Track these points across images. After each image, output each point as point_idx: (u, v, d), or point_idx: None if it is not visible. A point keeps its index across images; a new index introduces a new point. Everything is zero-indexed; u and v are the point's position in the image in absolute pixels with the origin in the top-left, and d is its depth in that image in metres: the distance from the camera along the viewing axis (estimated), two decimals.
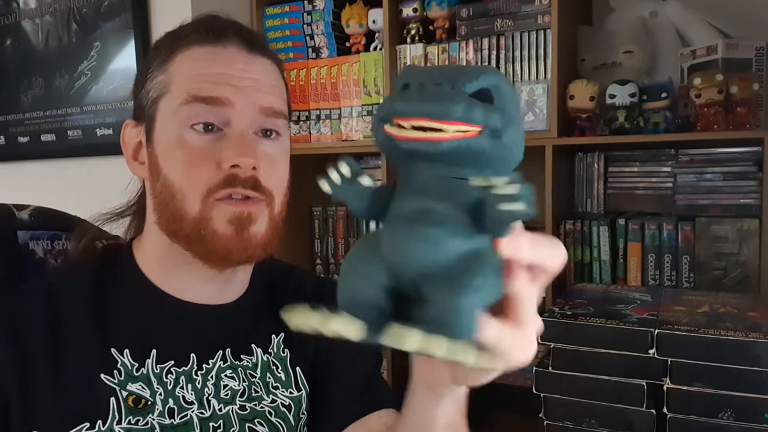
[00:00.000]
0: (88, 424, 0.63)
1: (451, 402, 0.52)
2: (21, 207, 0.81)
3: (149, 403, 0.66)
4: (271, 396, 0.73)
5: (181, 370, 0.68)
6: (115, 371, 0.65)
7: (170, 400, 0.67)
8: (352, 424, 0.74)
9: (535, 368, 1.05)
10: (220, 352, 0.71)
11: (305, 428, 0.76)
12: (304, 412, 0.76)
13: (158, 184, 0.67)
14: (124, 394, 0.65)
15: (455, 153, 0.37)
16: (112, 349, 0.66)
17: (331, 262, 2.01)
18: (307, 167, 2.01)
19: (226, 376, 0.70)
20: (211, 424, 0.68)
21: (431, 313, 0.36)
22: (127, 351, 0.66)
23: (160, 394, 0.66)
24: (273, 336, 0.76)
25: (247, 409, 0.71)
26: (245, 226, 0.66)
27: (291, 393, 0.75)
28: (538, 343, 1.03)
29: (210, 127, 0.65)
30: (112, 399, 0.64)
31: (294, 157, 2.15)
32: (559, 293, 1.47)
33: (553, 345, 1.03)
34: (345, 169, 0.40)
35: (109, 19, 1.73)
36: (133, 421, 0.64)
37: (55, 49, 1.87)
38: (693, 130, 1.38)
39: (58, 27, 1.85)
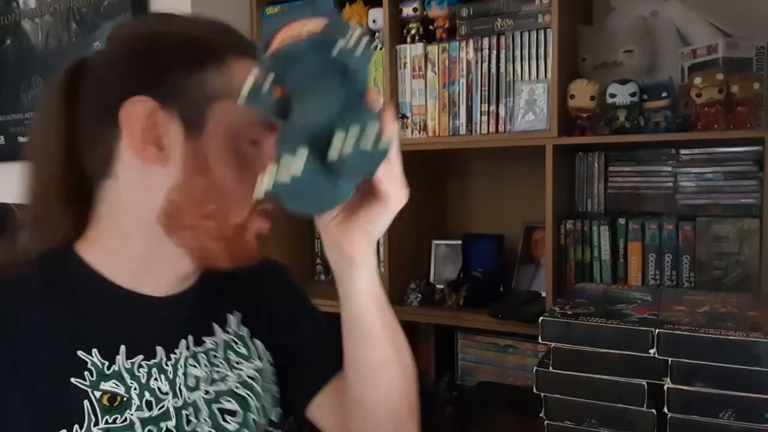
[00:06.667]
0: (65, 431, 0.62)
1: (368, 270, 0.65)
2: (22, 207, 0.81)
3: (125, 399, 0.66)
4: (235, 372, 0.75)
5: (151, 363, 0.69)
6: (86, 372, 0.65)
7: (146, 393, 0.67)
8: (332, 380, 0.79)
9: (535, 368, 1.05)
10: (184, 341, 0.72)
11: (276, 396, 0.79)
12: (271, 381, 0.79)
13: (200, 179, 0.65)
14: (98, 394, 0.64)
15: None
16: (79, 352, 0.65)
17: None
18: None
19: (190, 364, 0.71)
20: (183, 412, 0.69)
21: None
22: (95, 351, 0.66)
23: (135, 389, 0.66)
24: (229, 315, 0.78)
25: (211, 393, 0.72)
26: (261, 241, 0.70)
27: (254, 364, 0.77)
28: (539, 342, 1.04)
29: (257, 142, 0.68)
30: (86, 401, 0.64)
31: None
32: (560, 293, 1.47)
33: (553, 345, 1.03)
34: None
35: (108, 18, 1.73)
36: (110, 420, 0.64)
37: (55, 49, 1.87)
38: (693, 129, 1.38)
39: (57, 27, 1.85)
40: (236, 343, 0.76)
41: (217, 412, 0.71)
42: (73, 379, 0.64)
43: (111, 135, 0.66)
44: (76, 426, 0.63)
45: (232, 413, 0.73)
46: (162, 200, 0.66)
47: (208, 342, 0.74)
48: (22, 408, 0.62)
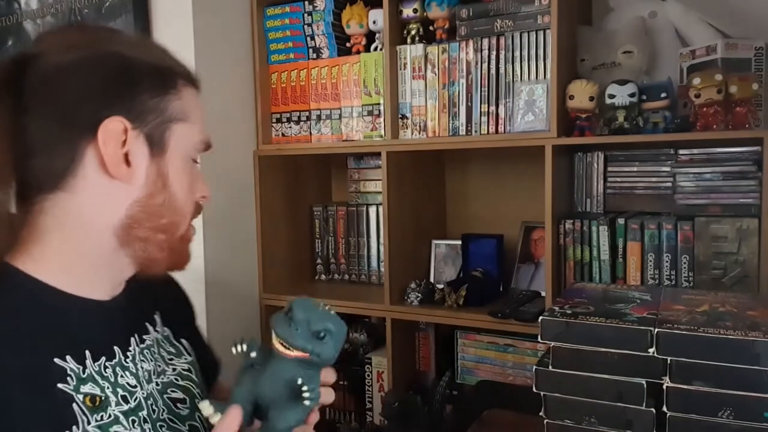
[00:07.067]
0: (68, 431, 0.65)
1: None
2: None
3: (102, 398, 0.69)
4: (171, 366, 0.81)
5: (113, 363, 0.72)
6: (68, 378, 0.67)
7: (119, 390, 0.71)
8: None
9: (535, 367, 1.06)
10: (132, 339, 0.77)
11: (205, 388, 0.87)
12: (200, 374, 0.87)
13: (159, 196, 0.72)
14: (81, 397, 0.67)
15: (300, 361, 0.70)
16: (56, 359, 0.67)
17: (331, 262, 2.01)
18: (307, 167, 2.02)
19: (141, 359, 0.76)
20: (148, 402, 0.75)
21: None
22: (68, 357, 0.68)
23: (108, 388, 0.70)
24: (155, 316, 0.84)
25: (160, 385, 0.78)
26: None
27: (185, 359, 0.85)
28: (539, 342, 1.04)
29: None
30: (74, 405, 0.66)
31: (294, 157, 2.15)
32: (559, 292, 1.48)
33: (553, 344, 1.03)
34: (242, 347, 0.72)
35: (110, 19, 1.73)
36: (98, 418, 0.68)
37: None
38: (692, 129, 1.38)
39: None
40: (165, 342, 0.83)
41: (168, 401, 0.78)
42: (59, 385, 0.66)
43: (74, 148, 0.68)
44: (74, 427, 0.65)
45: (182, 401, 0.80)
46: (121, 214, 0.71)
47: (147, 339, 0.79)
48: (23, 420, 0.63)
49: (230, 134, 1.77)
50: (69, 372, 0.67)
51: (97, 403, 0.68)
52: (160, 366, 0.80)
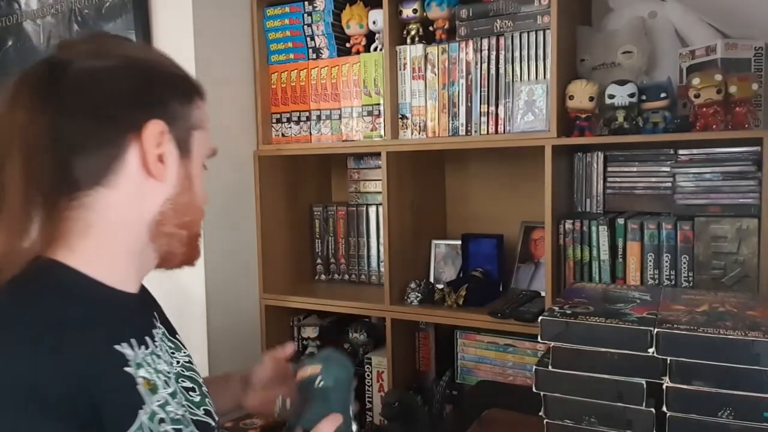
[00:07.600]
0: (141, 411, 0.70)
1: None
2: None
3: (153, 382, 0.74)
4: (174, 359, 0.85)
5: (148, 351, 0.77)
6: (130, 362, 0.72)
7: (161, 375, 0.76)
8: None
9: (535, 367, 1.06)
10: (154, 331, 0.83)
11: None
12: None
13: (185, 195, 0.79)
14: (140, 380, 0.72)
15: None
16: (115, 346, 0.72)
17: (331, 262, 2.01)
18: (307, 167, 2.03)
19: (162, 351, 0.81)
20: (174, 388, 0.79)
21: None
22: (123, 344, 0.73)
23: (154, 373, 0.75)
24: (155, 313, 0.89)
25: (173, 374, 0.82)
26: None
27: (184, 352, 0.90)
28: (539, 342, 1.04)
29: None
30: (138, 387, 0.71)
31: (294, 157, 2.15)
32: (559, 292, 1.48)
33: (552, 344, 1.03)
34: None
35: (110, 20, 1.74)
36: (155, 400, 0.72)
37: None
38: (692, 129, 1.38)
39: (59, 28, 1.85)
40: (164, 337, 0.87)
41: (183, 389, 0.82)
42: (126, 368, 0.71)
43: (118, 147, 0.74)
44: (144, 406, 0.70)
45: (192, 389, 0.84)
46: (154, 210, 0.77)
47: (159, 333, 0.85)
48: (103, 401, 0.66)
49: (230, 134, 1.78)
50: (128, 357, 0.72)
51: (151, 386, 0.73)
52: (168, 358, 0.84)
